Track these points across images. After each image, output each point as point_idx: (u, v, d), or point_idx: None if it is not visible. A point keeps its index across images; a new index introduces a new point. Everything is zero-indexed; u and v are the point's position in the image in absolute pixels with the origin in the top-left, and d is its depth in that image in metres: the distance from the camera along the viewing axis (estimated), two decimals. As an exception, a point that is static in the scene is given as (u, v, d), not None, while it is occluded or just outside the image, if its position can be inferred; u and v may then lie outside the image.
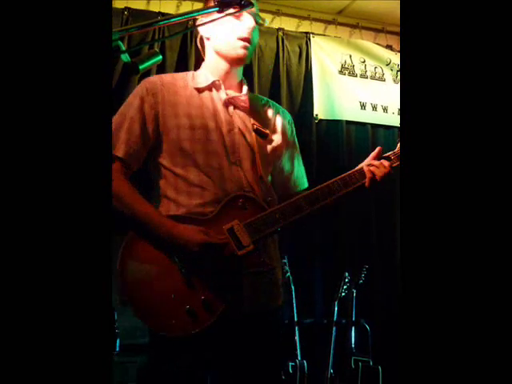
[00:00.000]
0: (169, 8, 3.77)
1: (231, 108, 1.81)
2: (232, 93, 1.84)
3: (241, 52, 1.75)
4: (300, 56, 3.97)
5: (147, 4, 3.80)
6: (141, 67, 1.18)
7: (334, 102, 3.98)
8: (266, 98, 2.05)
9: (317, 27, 4.16)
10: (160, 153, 1.75)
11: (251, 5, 1.38)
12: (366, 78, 4.12)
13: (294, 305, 3.27)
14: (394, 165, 1.78)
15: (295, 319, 3.26)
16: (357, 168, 1.79)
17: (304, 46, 3.97)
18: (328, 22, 4.20)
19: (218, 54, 1.80)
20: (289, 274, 3.28)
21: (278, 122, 1.93)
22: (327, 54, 4.03)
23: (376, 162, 1.77)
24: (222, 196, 1.68)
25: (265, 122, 1.88)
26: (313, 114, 3.89)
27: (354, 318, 3.33)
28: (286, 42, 3.92)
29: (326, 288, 3.61)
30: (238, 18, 1.74)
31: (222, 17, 1.41)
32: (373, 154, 1.82)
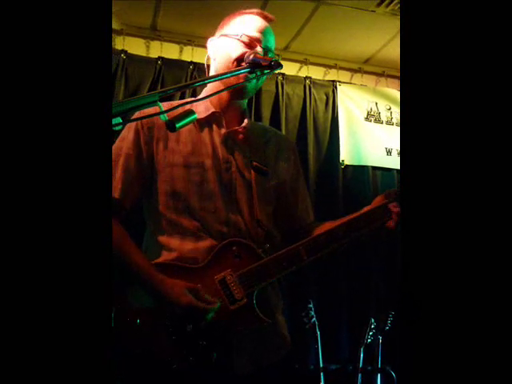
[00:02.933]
0: (201, 57, 3.91)
1: (230, 143, 1.65)
2: (232, 125, 1.67)
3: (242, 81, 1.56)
4: (327, 103, 4.07)
5: (180, 54, 3.96)
6: (177, 125, 1.24)
7: (360, 147, 4.04)
8: (268, 128, 1.90)
9: (343, 76, 4.27)
10: (153, 194, 1.61)
11: (280, 66, 1.45)
12: (392, 124, 4.18)
13: (320, 350, 3.25)
14: None
15: (321, 365, 3.23)
16: (374, 207, 1.59)
17: (331, 94, 4.07)
18: (354, 71, 4.31)
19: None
20: (314, 319, 3.27)
21: (281, 154, 1.76)
22: (353, 102, 4.11)
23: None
24: (217, 242, 1.54)
25: (266, 156, 1.71)
26: (339, 159, 3.95)
27: (379, 365, 3.27)
28: (313, 89, 4.03)
29: (352, 334, 3.58)
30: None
31: (253, 78, 1.49)
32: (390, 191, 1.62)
